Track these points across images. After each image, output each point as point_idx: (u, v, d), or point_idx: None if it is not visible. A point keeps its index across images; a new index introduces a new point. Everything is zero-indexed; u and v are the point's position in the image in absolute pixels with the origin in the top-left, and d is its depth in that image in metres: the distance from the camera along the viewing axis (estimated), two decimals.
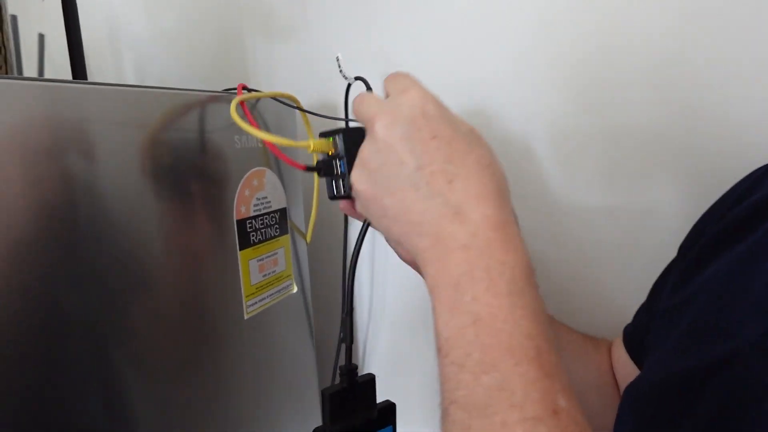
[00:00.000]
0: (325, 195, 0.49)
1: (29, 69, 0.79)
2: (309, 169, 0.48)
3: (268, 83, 0.77)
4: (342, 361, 0.44)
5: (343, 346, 0.44)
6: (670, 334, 0.41)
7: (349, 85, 0.58)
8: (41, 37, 0.80)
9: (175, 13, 0.84)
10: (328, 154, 0.47)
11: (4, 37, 0.49)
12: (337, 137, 0.46)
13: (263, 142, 0.53)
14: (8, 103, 0.35)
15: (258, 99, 0.59)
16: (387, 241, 0.39)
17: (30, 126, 0.37)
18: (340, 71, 0.54)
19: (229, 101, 0.52)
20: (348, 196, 0.48)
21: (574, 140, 0.61)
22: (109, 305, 0.42)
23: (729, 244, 0.40)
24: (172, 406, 0.49)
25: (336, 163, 0.47)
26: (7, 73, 0.48)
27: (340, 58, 0.53)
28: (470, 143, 0.34)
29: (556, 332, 0.55)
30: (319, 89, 0.69)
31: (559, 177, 0.63)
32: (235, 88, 0.55)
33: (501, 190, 0.34)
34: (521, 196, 0.63)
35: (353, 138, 0.46)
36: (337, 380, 0.43)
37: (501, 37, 0.63)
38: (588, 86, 0.60)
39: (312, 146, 0.46)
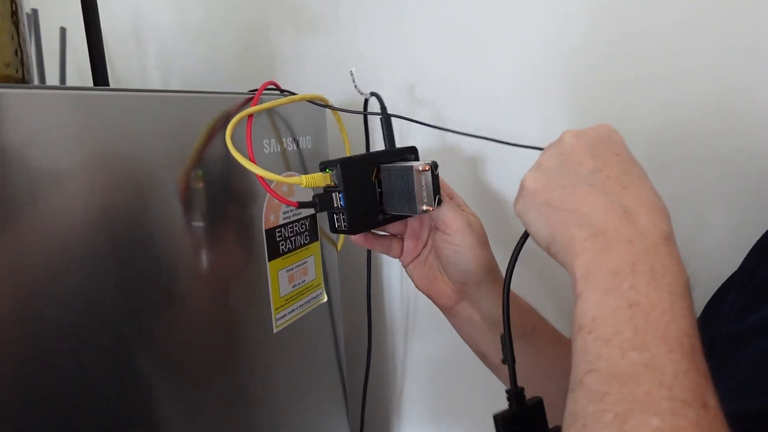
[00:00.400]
0: None
1: (51, 65, 0.76)
2: (303, 205, 0.46)
3: (295, 80, 0.73)
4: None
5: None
6: (739, 365, 0.38)
7: (366, 100, 0.55)
8: (63, 31, 0.78)
9: (202, 6, 0.81)
10: (328, 186, 0.45)
11: (20, 38, 0.46)
12: (335, 169, 0.44)
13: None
14: (25, 114, 0.33)
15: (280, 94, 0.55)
16: (533, 234, 0.37)
17: (52, 137, 0.34)
18: (355, 86, 0.53)
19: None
20: (348, 231, 0.46)
21: None
22: (136, 316, 0.40)
23: None
24: (199, 416, 0.47)
25: (336, 197, 0.45)
26: (24, 78, 0.46)
27: (353, 72, 0.52)
28: (646, 176, 0.35)
29: None
30: (349, 87, 0.66)
31: None
32: (257, 90, 0.52)
33: (669, 217, 0.33)
34: None
35: (353, 169, 0.45)
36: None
37: (521, 36, 0.60)
38: (596, 91, 0.57)
39: (305, 182, 0.44)
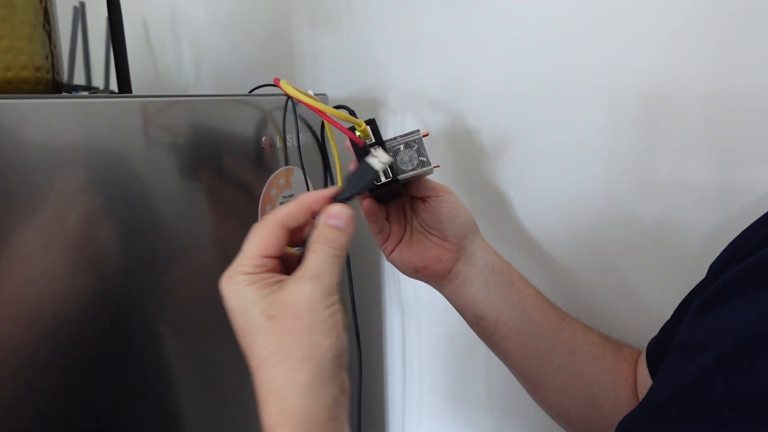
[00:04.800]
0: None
1: (97, 57, 0.84)
2: (364, 147, 0.47)
3: (312, 72, 0.77)
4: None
5: None
6: (676, 377, 0.37)
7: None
8: (81, 6, 0.82)
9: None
10: (368, 140, 0.47)
11: (52, 43, 0.52)
12: (371, 124, 0.47)
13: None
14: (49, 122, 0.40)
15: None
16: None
17: (80, 139, 0.40)
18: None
19: (256, 104, 0.54)
20: (393, 180, 0.47)
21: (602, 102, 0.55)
22: (144, 269, 0.47)
23: (760, 283, 0.34)
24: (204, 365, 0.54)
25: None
26: (54, 79, 0.52)
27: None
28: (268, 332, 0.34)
29: (570, 330, 0.53)
30: (360, 81, 0.69)
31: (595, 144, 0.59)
32: (266, 87, 0.56)
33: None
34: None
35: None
36: None
37: (535, 33, 0.59)
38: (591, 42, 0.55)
39: (362, 125, 0.47)
